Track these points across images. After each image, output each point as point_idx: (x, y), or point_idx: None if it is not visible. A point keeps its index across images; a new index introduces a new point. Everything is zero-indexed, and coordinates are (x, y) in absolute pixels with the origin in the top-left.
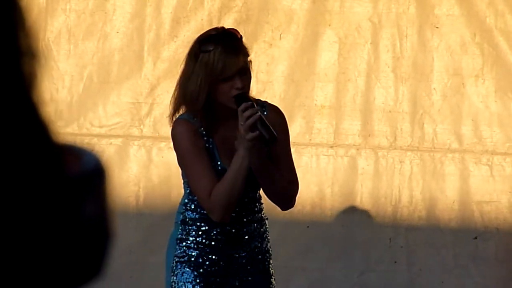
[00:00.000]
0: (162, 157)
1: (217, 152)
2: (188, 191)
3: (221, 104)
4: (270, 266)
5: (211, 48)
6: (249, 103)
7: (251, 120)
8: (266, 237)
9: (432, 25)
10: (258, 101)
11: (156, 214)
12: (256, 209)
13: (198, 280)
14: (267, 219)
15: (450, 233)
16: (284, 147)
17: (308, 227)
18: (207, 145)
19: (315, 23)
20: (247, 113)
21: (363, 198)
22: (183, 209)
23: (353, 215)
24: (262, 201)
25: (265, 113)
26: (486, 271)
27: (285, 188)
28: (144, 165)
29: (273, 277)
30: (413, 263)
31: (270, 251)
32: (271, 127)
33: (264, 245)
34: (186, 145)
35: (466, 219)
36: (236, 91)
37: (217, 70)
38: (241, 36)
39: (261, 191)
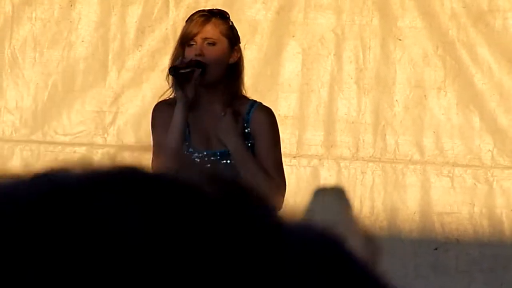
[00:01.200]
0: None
1: (189, 133)
2: None
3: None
4: None
5: (189, 18)
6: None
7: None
8: None
9: (395, 37)
10: (251, 102)
11: None
12: None
13: None
14: None
15: (411, 243)
16: (265, 146)
17: None
18: None
19: (279, 34)
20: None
21: (325, 208)
22: None
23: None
24: None
25: (250, 112)
26: (446, 282)
27: (268, 186)
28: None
29: None
30: None
31: None
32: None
33: None
34: (152, 128)
35: (427, 230)
36: (195, 57)
37: (182, 34)
38: (224, 16)
39: None
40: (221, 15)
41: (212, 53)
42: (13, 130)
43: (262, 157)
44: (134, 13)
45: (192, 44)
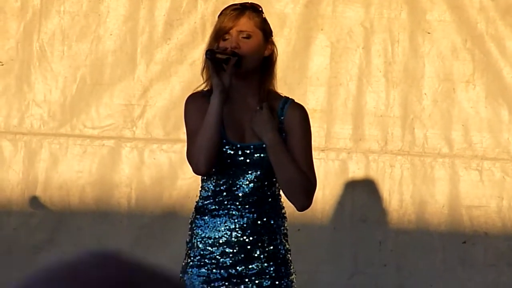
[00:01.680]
0: (154, 159)
1: (222, 125)
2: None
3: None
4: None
5: (222, 12)
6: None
7: (211, 70)
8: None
9: (423, 30)
10: (284, 98)
11: (148, 215)
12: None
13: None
14: None
15: (439, 237)
16: (299, 143)
17: (299, 230)
18: None
19: (307, 27)
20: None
21: (354, 202)
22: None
23: (343, 219)
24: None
25: (284, 109)
26: (474, 275)
27: (301, 181)
28: (136, 167)
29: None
30: (402, 266)
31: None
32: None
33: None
34: (186, 116)
35: (455, 224)
36: (230, 50)
37: (216, 28)
38: (257, 9)
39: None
40: (254, 8)
41: (247, 45)
42: (41, 123)
43: (295, 153)
44: (162, 7)
45: (227, 38)
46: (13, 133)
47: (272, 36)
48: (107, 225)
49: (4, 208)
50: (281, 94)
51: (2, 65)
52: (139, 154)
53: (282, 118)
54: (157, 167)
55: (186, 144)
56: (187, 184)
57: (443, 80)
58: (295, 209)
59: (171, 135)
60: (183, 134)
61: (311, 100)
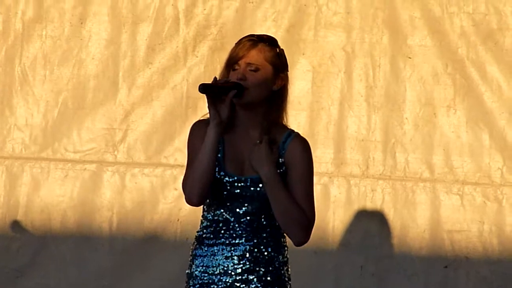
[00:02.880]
0: (136, 183)
1: (222, 155)
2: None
3: (237, 106)
4: None
5: (238, 42)
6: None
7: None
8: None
9: (404, 55)
10: (289, 131)
11: (129, 239)
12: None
13: None
14: None
15: (420, 261)
16: (298, 177)
17: None
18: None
19: (289, 51)
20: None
21: (335, 226)
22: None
23: (325, 243)
24: None
25: (286, 142)
26: None
27: (297, 216)
28: (117, 191)
29: None
30: None
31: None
32: (224, 83)
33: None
34: (189, 143)
35: (437, 248)
36: (236, 81)
37: (228, 56)
38: (272, 43)
39: None
40: (269, 42)
41: (253, 77)
42: (23, 147)
43: (294, 188)
44: (144, 31)
45: (236, 69)
46: None
47: (287, 71)
48: (89, 249)
49: None
50: (288, 127)
51: None
52: (120, 178)
53: (283, 152)
54: (139, 191)
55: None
56: (169, 208)
57: (424, 104)
58: None
59: (153, 159)
60: (164, 158)
61: (293, 124)
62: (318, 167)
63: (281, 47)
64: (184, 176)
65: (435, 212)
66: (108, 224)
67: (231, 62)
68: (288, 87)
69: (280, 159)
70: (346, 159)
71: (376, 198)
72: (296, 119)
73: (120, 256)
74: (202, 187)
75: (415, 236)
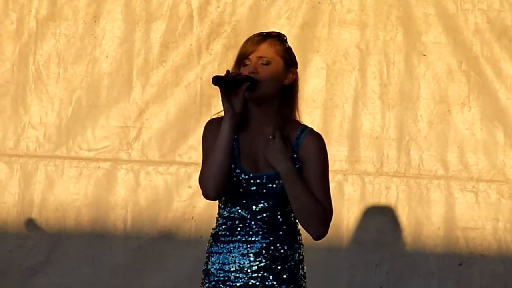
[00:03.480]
0: (150, 181)
1: (237, 153)
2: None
3: (249, 101)
4: None
5: (247, 39)
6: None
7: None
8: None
9: (419, 52)
10: (302, 127)
11: (143, 237)
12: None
13: None
14: None
15: (435, 259)
16: (314, 172)
17: None
18: None
19: (303, 49)
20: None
21: (349, 224)
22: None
23: (339, 241)
24: None
25: (300, 138)
26: None
27: (315, 210)
28: (132, 189)
29: None
30: None
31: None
32: (236, 77)
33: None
34: (203, 141)
35: (451, 245)
36: (245, 74)
37: (239, 52)
38: (282, 38)
39: None
40: (278, 37)
41: (265, 71)
42: (37, 145)
43: (310, 183)
44: (158, 29)
45: (247, 64)
46: (8, 155)
47: (297, 67)
48: (103, 247)
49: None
50: (301, 123)
51: None
52: (134, 176)
53: (297, 148)
54: (153, 189)
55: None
56: (183, 206)
57: (438, 102)
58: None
59: (167, 157)
60: (178, 156)
61: (307, 122)
62: (332, 164)
63: (295, 44)
64: (200, 172)
65: (450, 210)
66: (123, 222)
67: (242, 58)
68: (299, 84)
69: (295, 155)
70: (360, 157)
71: (390, 195)
72: (310, 116)
73: (134, 254)
74: (218, 180)
75: (429, 234)
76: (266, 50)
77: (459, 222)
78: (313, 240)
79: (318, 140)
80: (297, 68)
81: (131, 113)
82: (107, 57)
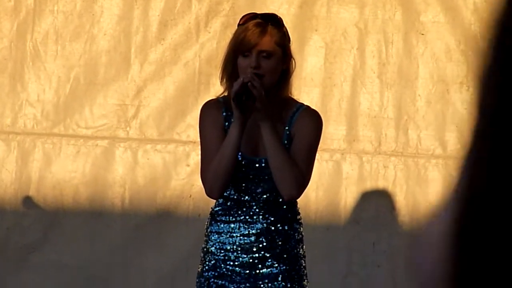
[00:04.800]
0: (148, 159)
1: None
2: None
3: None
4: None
5: (243, 23)
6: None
7: (235, 85)
8: None
9: (417, 32)
10: (299, 105)
11: (141, 215)
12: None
13: None
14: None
15: None
16: (301, 144)
17: None
18: (226, 125)
19: (301, 28)
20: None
21: (347, 203)
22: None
23: (337, 219)
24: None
25: (295, 115)
26: None
27: (292, 171)
28: (130, 167)
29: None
30: (396, 267)
31: None
32: (247, 91)
33: None
34: (201, 126)
35: None
36: (251, 69)
37: (237, 42)
38: (279, 23)
39: None
40: (276, 23)
41: (268, 65)
42: (35, 123)
43: (295, 150)
44: (156, 7)
45: (247, 55)
46: (6, 132)
47: (290, 44)
48: (101, 225)
49: None
50: (297, 101)
51: None
52: (133, 154)
53: (292, 124)
54: (151, 167)
55: (200, 156)
56: (181, 184)
57: (437, 81)
58: None
59: (165, 135)
60: (176, 135)
61: (305, 101)
62: (330, 143)
63: (293, 23)
64: (202, 167)
65: (448, 189)
66: (120, 200)
67: (242, 49)
68: (294, 63)
69: (289, 132)
70: (358, 136)
71: (388, 174)
72: (308, 95)
73: (132, 233)
74: (224, 183)
75: (427, 213)
76: (267, 43)
77: None
78: (311, 219)
79: (311, 116)
80: (290, 45)
81: (129, 91)
82: (105, 34)
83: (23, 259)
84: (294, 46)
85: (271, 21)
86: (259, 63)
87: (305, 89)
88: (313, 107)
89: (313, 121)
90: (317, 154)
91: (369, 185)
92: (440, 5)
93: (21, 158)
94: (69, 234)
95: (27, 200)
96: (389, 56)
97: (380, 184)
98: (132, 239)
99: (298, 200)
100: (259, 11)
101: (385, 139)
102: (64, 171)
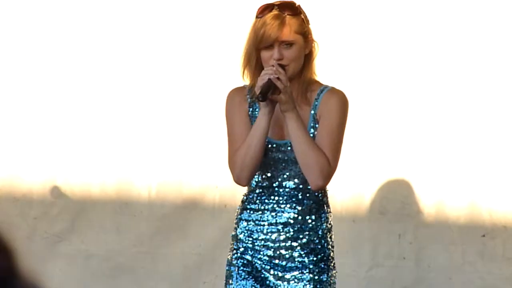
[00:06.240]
0: (175, 149)
1: None
2: None
3: None
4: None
5: (261, 15)
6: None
7: (259, 82)
8: None
9: None
10: (323, 87)
11: (168, 206)
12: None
13: None
14: None
15: (458, 230)
16: (327, 127)
17: None
18: (250, 111)
19: None
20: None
21: (374, 194)
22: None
23: (363, 211)
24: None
25: (319, 98)
26: (493, 269)
27: (317, 160)
28: (157, 157)
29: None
30: (421, 259)
31: None
32: (272, 86)
33: None
34: (227, 113)
35: (475, 217)
36: (273, 61)
37: (258, 36)
38: (296, 12)
39: None
40: (293, 11)
41: (290, 54)
42: None
43: (321, 135)
44: None
45: (268, 47)
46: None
47: (310, 30)
48: (127, 215)
49: (24, 197)
50: (322, 83)
51: None
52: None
53: (317, 106)
54: (178, 157)
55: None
56: (208, 174)
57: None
58: None
59: None
60: None
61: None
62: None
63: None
64: (229, 155)
65: (474, 181)
66: (147, 190)
67: (263, 45)
68: (315, 43)
69: (315, 114)
70: None
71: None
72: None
73: (158, 223)
74: (252, 171)
75: (453, 205)
76: (287, 34)
77: (483, 194)
78: (337, 211)
79: (337, 97)
80: (310, 28)
81: None
82: None
83: (51, 249)
84: None
85: (288, 11)
86: (281, 54)
87: None
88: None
89: (338, 103)
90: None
91: (395, 176)
92: None
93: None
94: (96, 224)
95: (55, 190)
96: None
97: (406, 176)
98: (159, 228)
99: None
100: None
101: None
102: (91, 161)
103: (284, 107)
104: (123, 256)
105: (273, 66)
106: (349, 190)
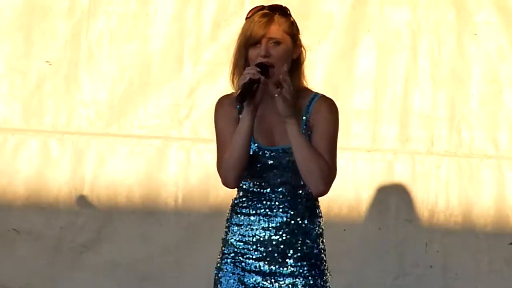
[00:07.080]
0: (201, 158)
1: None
2: None
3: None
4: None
5: (250, 16)
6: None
7: (240, 81)
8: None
9: (470, 32)
10: (313, 94)
11: (194, 214)
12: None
13: None
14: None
15: (485, 238)
16: (322, 134)
17: (344, 230)
18: (240, 117)
19: (354, 28)
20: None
21: (400, 202)
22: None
23: (389, 219)
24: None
25: (311, 105)
26: None
27: (318, 165)
28: (183, 166)
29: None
30: (448, 267)
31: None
32: (250, 89)
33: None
34: (215, 121)
35: (502, 225)
36: (260, 58)
37: (246, 35)
38: (286, 13)
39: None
40: (282, 12)
41: (277, 52)
42: (89, 123)
43: (317, 144)
44: (210, 7)
45: (257, 45)
46: (60, 132)
47: (299, 36)
48: (154, 224)
49: (51, 207)
50: (312, 90)
51: (50, 65)
52: (185, 153)
53: (308, 114)
54: (204, 166)
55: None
56: None
57: (490, 82)
58: (341, 209)
59: None
60: None
61: (357, 101)
62: (383, 143)
63: (346, 23)
64: (217, 159)
65: (500, 189)
66: (173, 199)
67: (251, 42)
68: (305, 55)
69: (307, 121)
70: (410, 136)
71: (441, 175)
72: (361, 96)
73: (185, 232)
74: (238, 171)
75: (479, 213)
76: (275, 31)
77: (510, 202)
78: (363, 219)
79: (328, 105)
80: (299, 35)
81: (182, 91)
82: (158, 35)
83: (77, 258)
84: (346, 47)
85: (278, 11)
86: (268, 51)
87: (357, 90)
88: (365, 107)
89: (330, 111)
90: (369, 154)
91: (422, 185)
92: (493, 6)
93: (75, 158)
94: (122, 233)
95: (81, 199)
96: (442, 56)
97: (433, 184)
98: (185, 238)
99: (349, 199)
100: (311, 11)
101: (437, 139)
102: (117, 170)
103: (286, 111)
104: (149, 265)
105: (255, 65)
106: (375, 198)
